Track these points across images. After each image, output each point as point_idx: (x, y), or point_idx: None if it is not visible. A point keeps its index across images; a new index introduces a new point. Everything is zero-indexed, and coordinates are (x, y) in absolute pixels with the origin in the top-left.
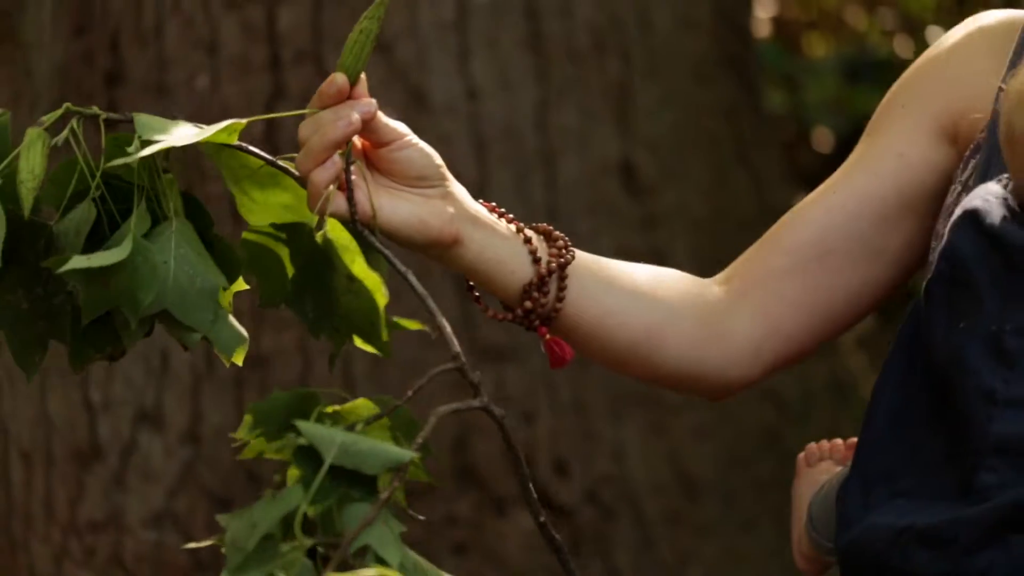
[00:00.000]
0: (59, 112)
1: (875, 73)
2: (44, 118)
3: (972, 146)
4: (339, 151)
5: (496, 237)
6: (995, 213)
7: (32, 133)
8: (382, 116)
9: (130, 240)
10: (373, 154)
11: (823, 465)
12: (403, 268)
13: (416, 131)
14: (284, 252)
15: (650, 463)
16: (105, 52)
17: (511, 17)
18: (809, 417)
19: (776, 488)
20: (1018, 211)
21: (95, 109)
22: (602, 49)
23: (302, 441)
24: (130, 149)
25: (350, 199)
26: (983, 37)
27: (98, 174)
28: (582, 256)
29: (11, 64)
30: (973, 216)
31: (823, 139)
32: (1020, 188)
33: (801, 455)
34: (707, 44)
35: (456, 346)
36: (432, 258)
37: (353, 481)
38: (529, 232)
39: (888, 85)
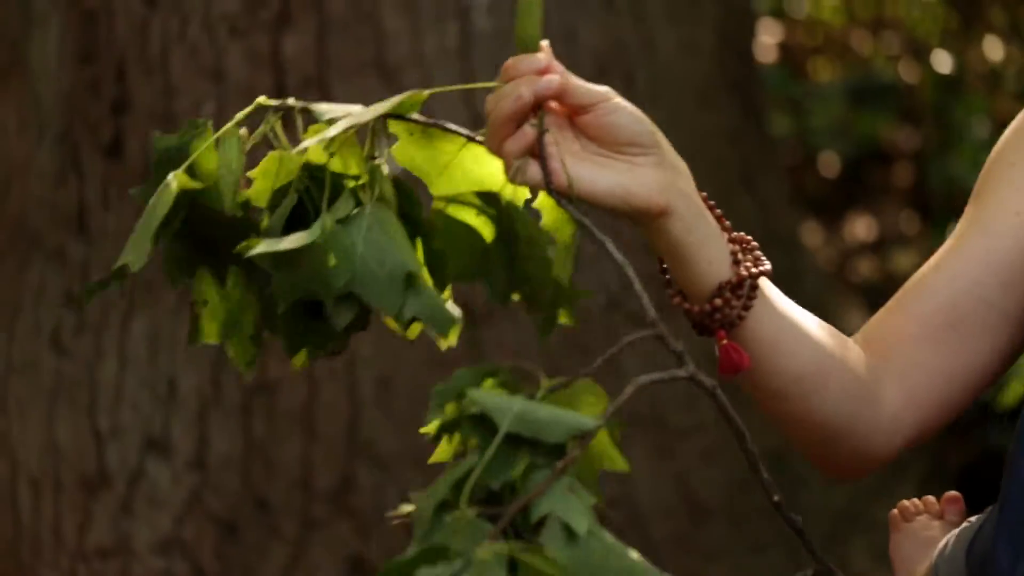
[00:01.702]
0: (251, 107)
1: (881, 97)
2: (238, 115)
3: None
4: (531, 121)
5: (703, 221)
6: None
7: (226, 130)
8: (578, 82)
9: (320, 223)
10: (580, 120)
11: (921, 520)
12: (601, 236)
13: None
14: (476, 222)
15: (657, 487)
16: (111, 80)
17: (514, 44)
18: None
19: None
20: None
21: (291, 101)
22: (606, 74)
23: (473, 410)
24: (320, 137)
25: (546, 168)
26: None
27: (300, 164)
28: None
29: (18, 93)
30: None
31: (828, 164)
32: None
33: (894, 511)
34: (711, 69)
35: (652, 312)
36: (636, 226)
37: (537, 451)
38: (733, 233)
39: (893, 109)
